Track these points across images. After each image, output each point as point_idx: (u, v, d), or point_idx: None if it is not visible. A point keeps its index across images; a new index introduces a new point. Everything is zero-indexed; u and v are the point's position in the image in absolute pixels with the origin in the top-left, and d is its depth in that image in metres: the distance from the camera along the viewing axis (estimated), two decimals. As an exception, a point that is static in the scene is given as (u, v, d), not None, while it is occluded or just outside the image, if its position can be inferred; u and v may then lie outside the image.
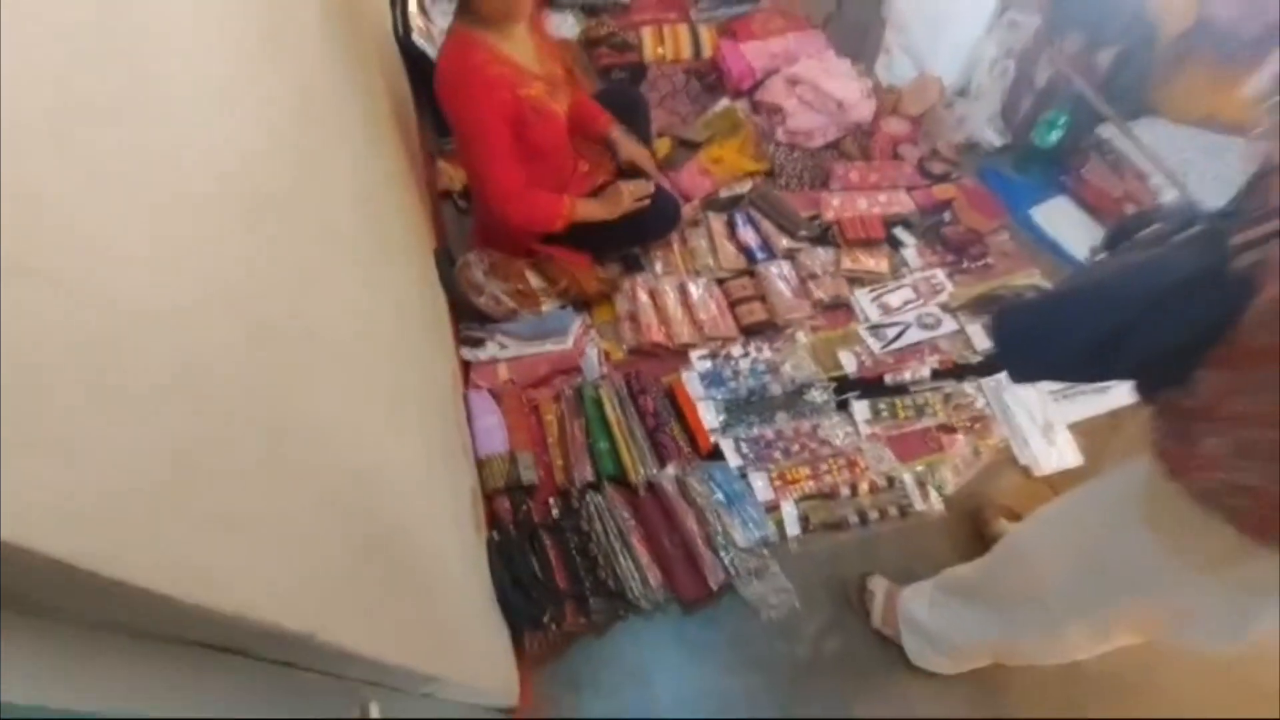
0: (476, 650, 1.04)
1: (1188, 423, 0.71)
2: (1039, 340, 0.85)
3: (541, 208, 1.69)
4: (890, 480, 1.64)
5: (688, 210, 2.09)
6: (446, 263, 1.76)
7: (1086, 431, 1.72)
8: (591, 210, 1.76)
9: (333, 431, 0.65)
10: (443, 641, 0.86)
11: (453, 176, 2.26)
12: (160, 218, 0.45)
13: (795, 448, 1.68)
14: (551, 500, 1.50)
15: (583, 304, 1.89)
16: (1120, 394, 1.76)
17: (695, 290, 1.93)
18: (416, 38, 2.18)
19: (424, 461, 1.03)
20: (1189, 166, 1.97)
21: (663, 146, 2.32)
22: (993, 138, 2.27)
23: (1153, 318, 0.71)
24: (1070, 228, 2.11)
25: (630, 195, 1.77)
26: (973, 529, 1.59)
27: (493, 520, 1.46)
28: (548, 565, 1.40)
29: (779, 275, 1.97)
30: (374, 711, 0.63)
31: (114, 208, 0.41)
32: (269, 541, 0.49)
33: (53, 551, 0.31)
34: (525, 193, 1.64)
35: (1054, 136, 2.14)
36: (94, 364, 0.36)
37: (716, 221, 2.11)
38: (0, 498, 0.28)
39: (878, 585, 1.45)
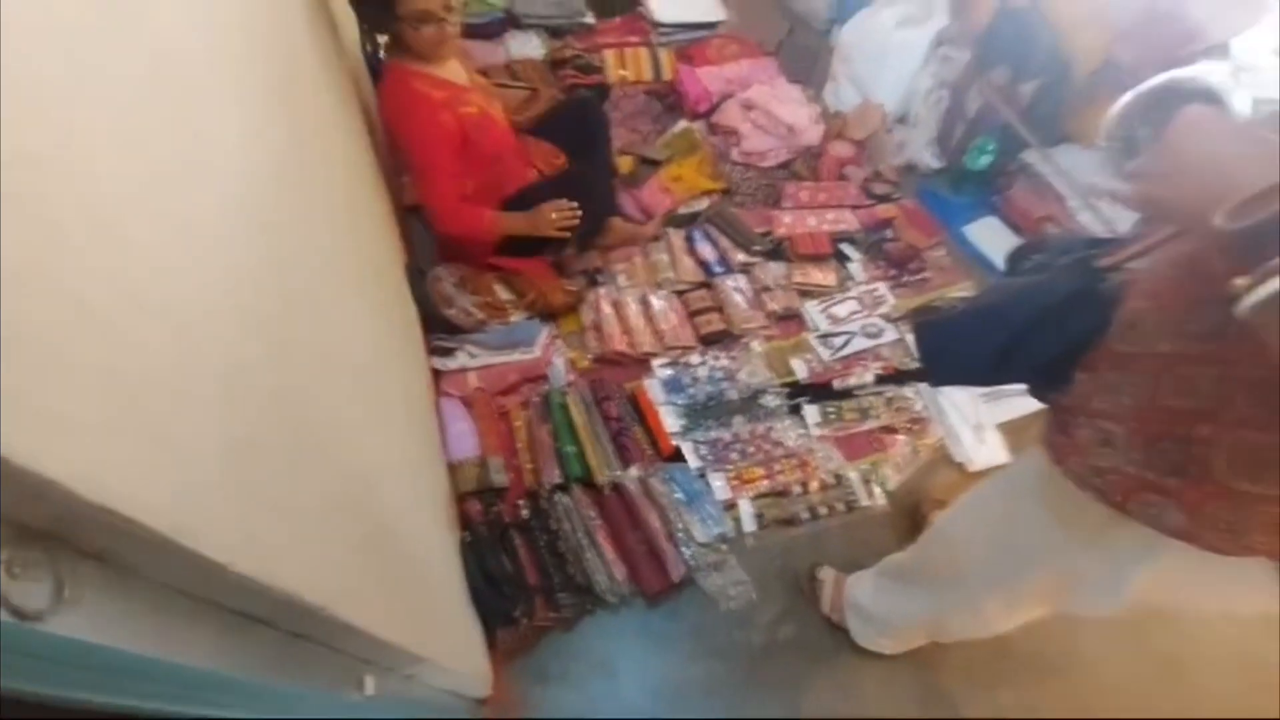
0: (456, 639, 1.12)
1: (1066, 417, 0.84)
2: (951, 350, 0.98)
3: (469, 221, 1.80)
4: (838, 478, 1.77)
5: (649, 227, 2.20)
6: (417, 276, 1.83)
7: (1013, 429, 1.89)
8: (516, 224, 1.83)
9: (342, 434, 0.72)
10: (429, 628, 0.94)
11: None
12: (200, 247, 0.53)
13: (751, 449, 1.80)
14: (521, 501, 1.58)
15: (549, 315, 1.98)
16: (1042, 396, 1.93)
17: (656, 302, 2.04)
18: (384, 54, 2.24)
19: (410, 463, 1.10)
20: (1098, 188, 2.18)
21: (626, 164, 2.43)
22: (930, 161, 2.46)
23: (1039, 331, 0.84)
24: (999, 244, 2.29)
25: (553, 220, 1.81)
26: (912, 522, 1.73)
27: (465, 521, 1.53)
28: (518, 562, 1.48)
29: (735, 288, 2.09)
30: (369, 687, 0.70)
31: (173, 243, 0.49)
32: (297, 524, 0.57)
33: (149, 522, 0.39)
34: (458, 207, 1.77)
35: (984, 160, 2.33)
36: (167, 370, 0.44)
37: (676, 237, 2.23)
38: (110, 475, 0.36)
39: (826, 574, 1.57)
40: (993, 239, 2.31)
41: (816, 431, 1.84)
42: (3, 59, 0.34)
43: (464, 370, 1.80)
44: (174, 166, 0.52)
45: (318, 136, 1.04)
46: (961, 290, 2.18)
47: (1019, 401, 1.92)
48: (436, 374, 1.81)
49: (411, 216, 2.28)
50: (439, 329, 1.86)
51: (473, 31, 2.55)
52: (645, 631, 1.56)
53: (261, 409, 0.55)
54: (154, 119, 0.51)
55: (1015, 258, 1.00)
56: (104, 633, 0.41)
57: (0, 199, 0.32)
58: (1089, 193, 2.16)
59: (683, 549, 1.56)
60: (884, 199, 2.39)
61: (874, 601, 1.43)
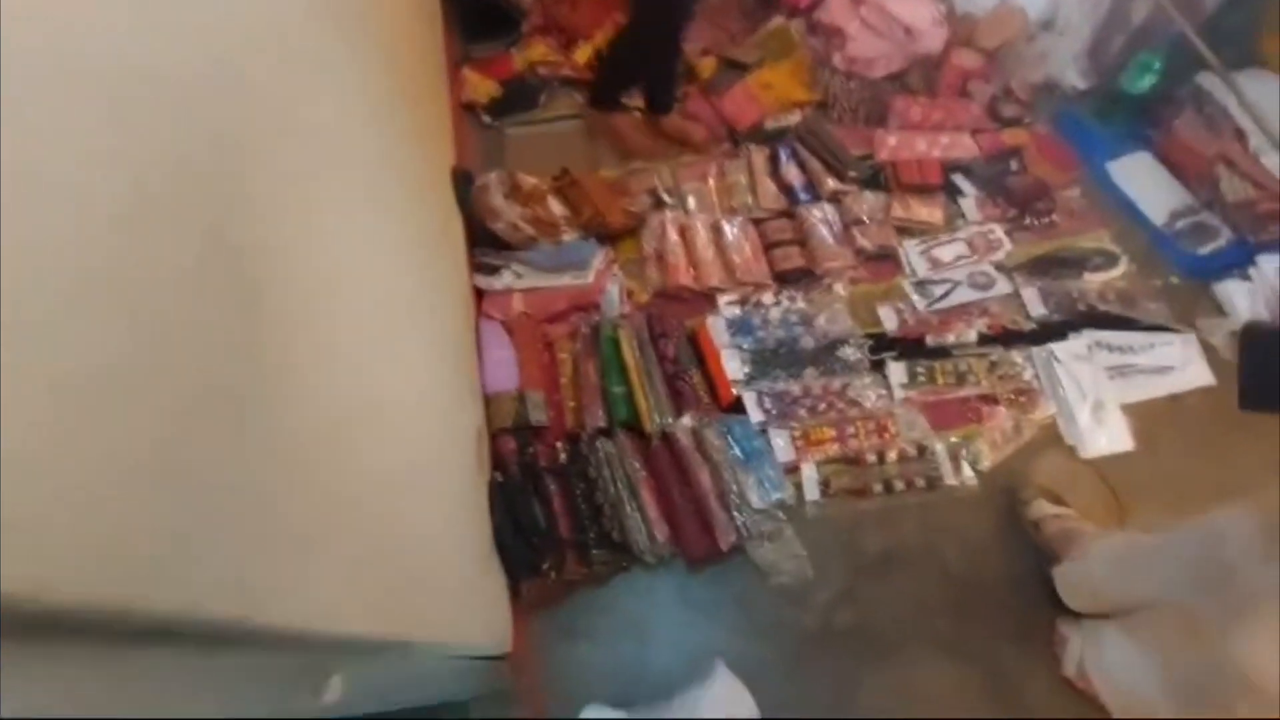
0: (466, 602, 0.99)
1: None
2: None
3: None
4: (921, 449, 1.54)
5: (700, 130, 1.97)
6: (465, 183, 1.63)
7: (1141, 414, 1.59)
8: None
9: (328, 365, 0.55)
10: (430, 605, 0.80)
11: (477, 87, 2.10)
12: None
13: (822, 406, 1.58)
14: (559, 444, 1.43)
15: (606, 237, 1.76)
16: (1183, 376, 1.61)
17: (729, 230, 1.78)
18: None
19: (427, 398, 0.94)
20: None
21: (707, 67, 2.12)
22: (1075, 79, 2.04)
23: None
24: (1150, 187, 1.90)
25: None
26: (1006, 507, 1.49)
27: (496, 461, 1.39)
28: (551, 511, 1.34)
29: (821, 219, 1.81)
30: (334, 687, 0.56)
31: None
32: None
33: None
34: None
35: (1146, 82, 1.90)
36: None
37: (759, 155, 1.94)
38: None
39: (1071, 630, 1.28)
40: (1143, 179, 1.92)
41: (901, 393, 1.59)
42: None
43: (509, 291, 1.62)
44: None
45: (334, 35, 0.83)
46: (1095, 241, 1.82)
47: (1155, 379, 1.61)
48: (479, 294, 1.64)
49: (468, 114, 2.07)
50: (485, 243, 1.68)
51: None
52: (683, 597, 1.41)
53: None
54: None
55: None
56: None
57: None
58: (1282, 129, 1.73)
59: (735, 513, 1.38)
60: (1013, 123, 2.01)
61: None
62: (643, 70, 1.88)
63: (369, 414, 0.73)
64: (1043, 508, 1.40)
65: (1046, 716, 1.33)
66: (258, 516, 0.46)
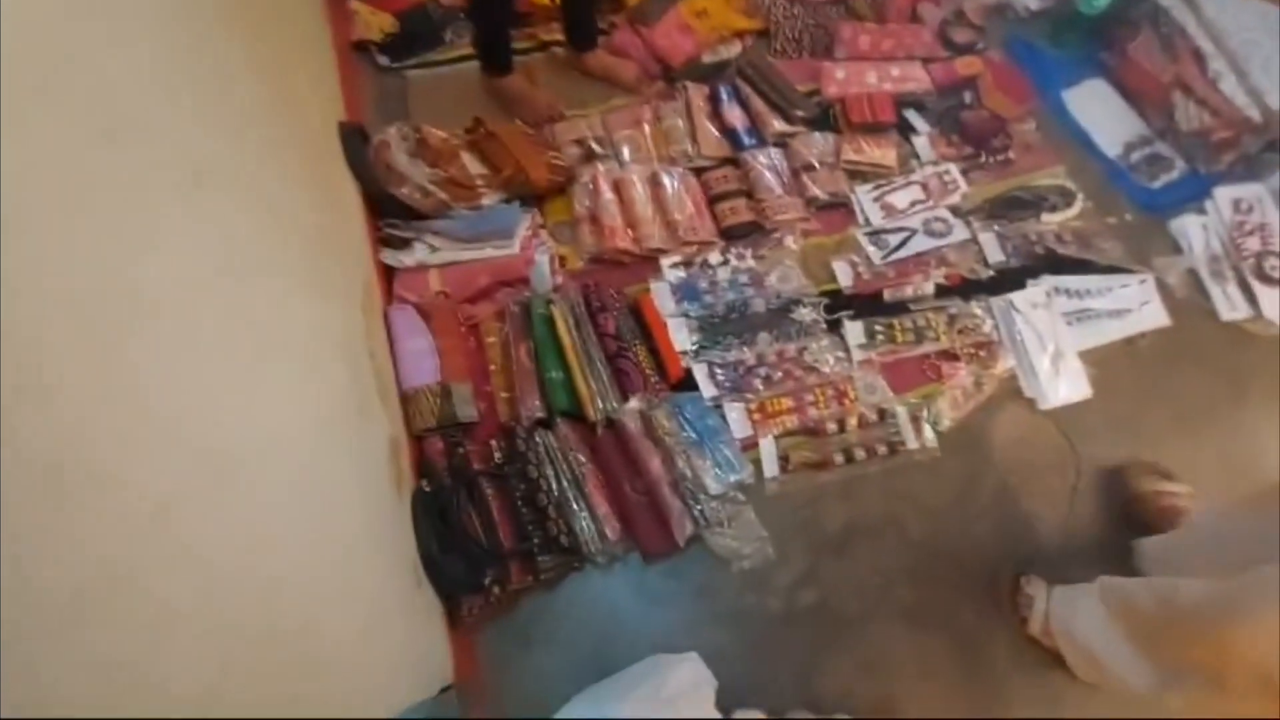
0: (382, 655, 0.85)
1: None
2: None
3: None
4: (881, 414, 1.46)
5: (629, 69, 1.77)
6: (356, 141, 1.40)
7: (1097, 359, 1.54)
8: None
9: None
10: (322, 670, 0.65)
11: (369, 21, 1.81)
12: None
13: (778, 375, 1.47)
14: (493, 442, 1.28)
15: (531, 198, 1.56)
16: (1139, 318, 1.57)
17: (669, 183, 1.61)
18: None
19: (310, 427, 0.77)
20: (1253, 50, 1.67)
21: (634, -7, 1.88)
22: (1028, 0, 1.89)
23: None
24: (1105, 117, 1.81)
25: None
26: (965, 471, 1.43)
27: (422, 467, 1.23)
28: (489, 518, 1.20)
29: (768, 166, 1.65)
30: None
31: None
32: None
33: None
34: None
35: (1102, 2, 1.78)
36: None
37: (697, 95, 1.74)
38: None
39: (1037, 589, 1.26)
40: (1097, 109, 1.82)
41: (860, 355, 1.50)
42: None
43: (423, 268, 1.42)
44: None
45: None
46: (1051, 177, 1.73)
47: (1110, 323, 1.56)
48: (388, 273, 1.43)
49: (360, 56, 1.79)
50: (392, 212, 1.46)
51: None
52: (642, 592, 1.32)
53: None
54: None
55: None
56: None
57: None
58: (1239, 52, 1.65)
59: (690, 502, 1.28)
60: (965, 49, 1.87)
61: None
62: (494, 16, 1.61)
63: (219, 471, 0.57)
64: (1152, 483, 1.35)
65: (1009, 677, 1.32)
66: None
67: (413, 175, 1.41)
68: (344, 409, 0.90)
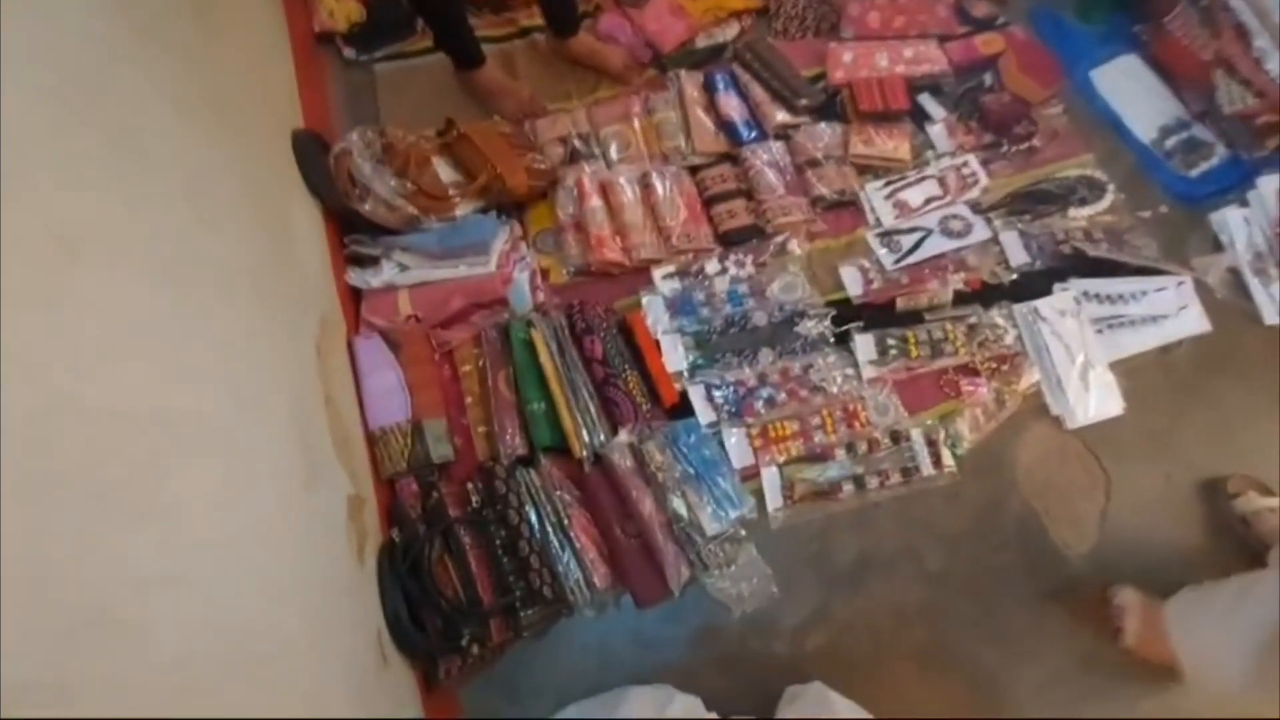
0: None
1: None
2: None
3: None
4: (895, 437, 1.34)
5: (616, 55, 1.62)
6: (314, 150, 1.26)
7: (1129, 370, 1.41)
8: None
9: None
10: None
11: (333, 9, 1.66)
12: None
13: (781, 396, 1.35)
14: (470, 484, 1.17)
15: (510, 206, 1.43)
16: (1177, 324, 1.43)
17: (661, 184, 1.47)
18: None
19: (245, 519, 0.66)
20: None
21: (620, -31, 1.72)
22: (1056, -33, 1.72)
23: None
24: (1138, 98, 1.65)
25: None
26: (992, 496, 1.32)
27: (393, 514, 1.12)
28: (466, 570, 1.10)
29: (769, 163, 1.51)
30: None
31: None
32: None
33: None
34: None
35: (1137, -31, 1.61)
36: None
37: (691, 84, 1.59)
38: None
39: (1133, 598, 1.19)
40: (1130, 89, 1.66)
41: (871, 372, 1.38)
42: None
43: (392, 290, 1.30)
44: None
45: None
46: (1079, 167, 1.58)
47: (1146, 330, 1.43)
48: (356, 296, 1.31)
49: (324, 49, 1.65)
50: (358, 227, 1.33)
51: None
52: (637, 639, 1.23)
53: None
54: None
55: None
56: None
57: None
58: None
59: (686, 546, 1.17)
60: (985, 25, 1.71)
61: None
62: (439, 7, 1.44)
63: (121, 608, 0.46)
64: (1255, 501, 1.25)
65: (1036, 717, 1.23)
66: None
67: (377, 188, 1.27)
68: (286, 494, 0.78)
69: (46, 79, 0.59)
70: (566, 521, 1.15)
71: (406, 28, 1.70)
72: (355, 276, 1.30)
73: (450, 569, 1.10)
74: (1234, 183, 1.55)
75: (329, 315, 1.13)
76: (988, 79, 1.65)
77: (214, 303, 0.75)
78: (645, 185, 1.48)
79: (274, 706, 0.61)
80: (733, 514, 1.22)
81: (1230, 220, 1.51)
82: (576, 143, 1.53)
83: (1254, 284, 1.46)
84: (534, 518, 1.15)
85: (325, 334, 1.07)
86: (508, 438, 1.21)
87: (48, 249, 0.51)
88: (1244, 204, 1.53)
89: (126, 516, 0.51)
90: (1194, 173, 1.57)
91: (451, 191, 1.36)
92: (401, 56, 1.68)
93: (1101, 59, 1.69)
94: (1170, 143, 1.60)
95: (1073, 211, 1.53)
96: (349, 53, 1.66)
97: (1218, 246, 1.51)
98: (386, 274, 1.30)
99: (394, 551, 1.07)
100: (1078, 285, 1.45)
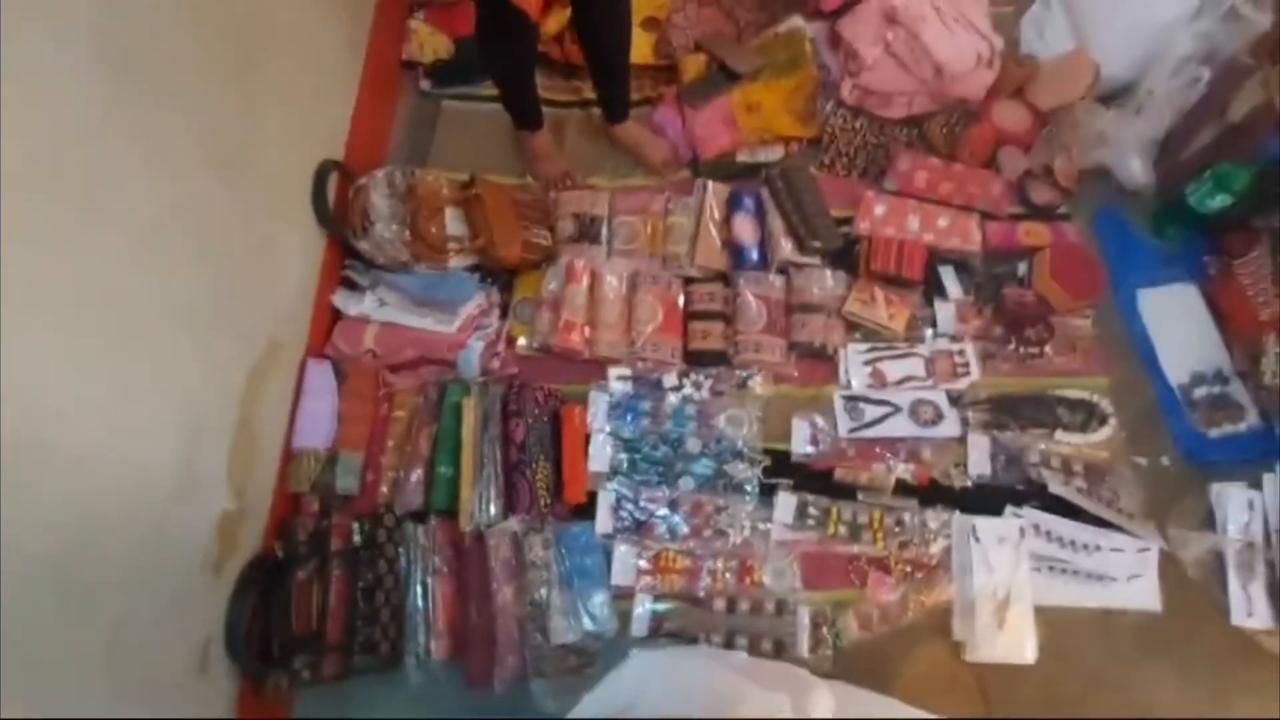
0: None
1: None
2: None
3: None
4: (780, 607, 1.32)
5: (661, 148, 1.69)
6: (333, 180, 1.39)
7: (1057, 621, 1.32)
8: None
9: None
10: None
11: (425, 42, 1.81)
12: None
13: (685, 529, 1.36)
14: (355, 524, 1.25)
15: (499, 271, 1.52)
16: (1124, 591, 1.32)
17: (646, 288, 1.51)
18: None
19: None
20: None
21: (694, 66, 1.77)
22: (1135, 173, 1.61)
23: None
24: (1181, 333, 1.52)
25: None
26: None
27: (283, 529, 1.23)
28: (326, 603, 1.19)
29: (759, 295, 1.51)
30: None
31: None
32: None
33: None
34: None
35: (1218, 202, 1.48)
36: None
37: (714, 196, 1.62)
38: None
39: None
40: (1176, 321, 1.53)
41: (781, 534, 1.36)
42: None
43: (364, 321, 1.41)
44: None
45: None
46: (1085, 388, 1.48)
47: (1090, 587, 1.33)
48: (336, 315, 1.44)
49: (404, 74, 1.79)
50: (359, 254, 1.46)
51: None
52: (461, 701, 1.26)
53: None
54: None
55: None
56: None
57: None
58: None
59: (526, 649, 1.21)
60: (1041, 212, 1.63)
61: None
62: (507, 72, 1.53)
63: None
64: None
65: None
66: None
67: (379, 229, 1.39)
68: (144, 505, 0.90)
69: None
70: (431, 584, 1.23)
71: (485, 73, 1.81)
72: (340, 299, 1.43)
73: (313, 596, 1.20)
74: (1254, 458, 1.40)
75: (284, 338, 1.26)
76: (1021, 268, 1.58)
77: (133, 342, 0.87)
78: (632, 285, 1.53)
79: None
80: (588, 628, 1.25)
81: (1232, 498, 1.37)
82: (588, 223, 1.59)
83: (1233, 576, 1.33)
84: (405, 572, 1.23)
85: (270, 356, 1.19)
86: (409, 490, 1.30)
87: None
88: (1255, 486, 1.38)
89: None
90: (1214, 433, 1.43)
91: (451, 245, 1.46)
92: (472, 99, 1.80)
93: (1157, 280, 1.57)
94: (1199, 392, 1.47)
95: (1061, 435, 1.44)
96: (425, 84, 1.79)
97: (1207, 522, 1.37)
98: (366, 305, 1.41)
99: (264, 564, 1.18)
100: (1031, 515, 1.36)
